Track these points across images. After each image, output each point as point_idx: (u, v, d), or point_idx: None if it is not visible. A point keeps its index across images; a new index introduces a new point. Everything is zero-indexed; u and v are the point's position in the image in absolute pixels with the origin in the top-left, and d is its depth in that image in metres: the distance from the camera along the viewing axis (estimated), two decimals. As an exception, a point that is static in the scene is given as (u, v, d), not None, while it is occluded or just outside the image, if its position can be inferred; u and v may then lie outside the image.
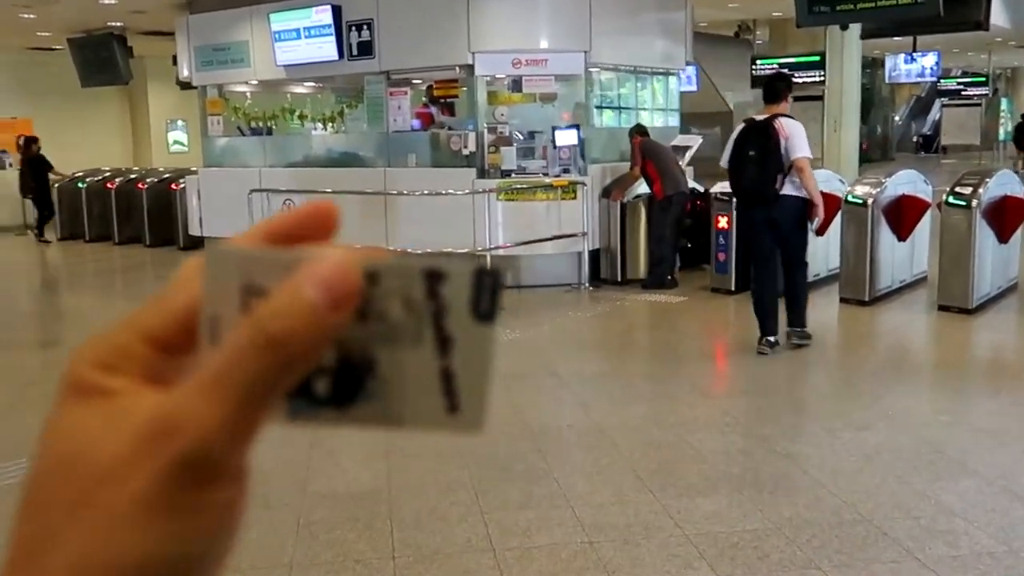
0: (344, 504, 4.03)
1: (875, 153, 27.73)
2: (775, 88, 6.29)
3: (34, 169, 14.21)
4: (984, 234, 7.33)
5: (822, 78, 16.89)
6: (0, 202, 15.97)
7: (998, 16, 18.07)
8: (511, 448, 4.69)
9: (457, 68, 9.20)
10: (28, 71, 16.49)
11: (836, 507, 3.87)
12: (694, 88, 17.47)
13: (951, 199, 7.26)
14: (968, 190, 7.28)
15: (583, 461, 4.51)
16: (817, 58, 17.20)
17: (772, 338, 6.32)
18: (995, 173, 7.63)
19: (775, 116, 6.15)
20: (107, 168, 14.65)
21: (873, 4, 7.57)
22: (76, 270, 12.44)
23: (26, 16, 12.24)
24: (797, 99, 10.04)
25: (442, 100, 10.32)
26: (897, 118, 34.05)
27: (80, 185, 14.19)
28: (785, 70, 17.74)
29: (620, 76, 10.45)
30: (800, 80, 16.76)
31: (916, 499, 3.96)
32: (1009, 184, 7.68)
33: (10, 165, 15.88)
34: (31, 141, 14.44)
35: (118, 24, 13.23)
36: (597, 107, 10.56)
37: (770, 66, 17.84)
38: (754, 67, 18.05)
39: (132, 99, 17.96)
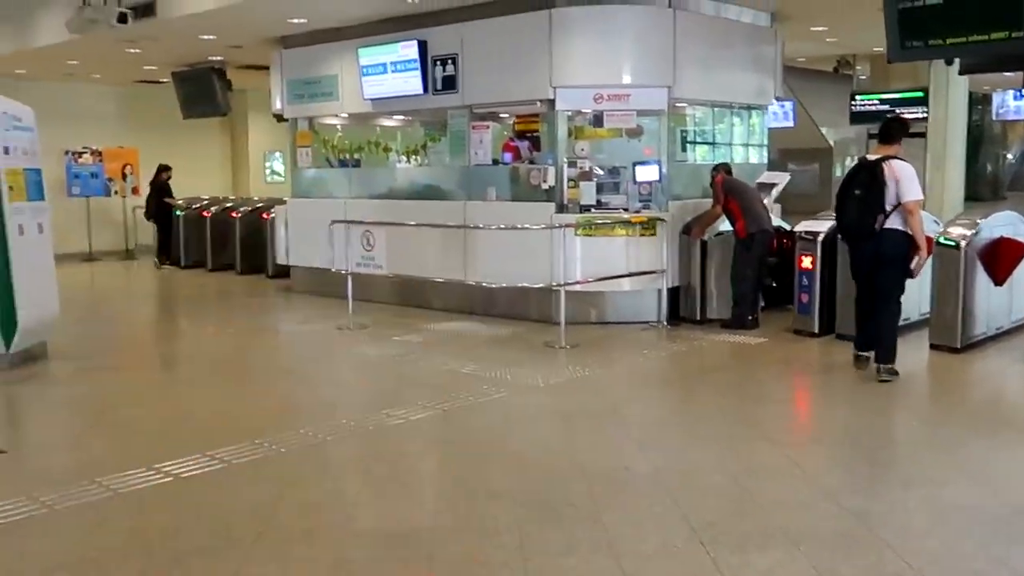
0: (386, 543, 3.96)
1: (985, 192, 26.64)
2: (890, 130, 6.59)
3: (159, 196, 14.89)
4: (1088, 280, 6.91)
5: (925, 114, 16.32)
6: (105, 228, 16.66)
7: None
8: (563, 490, 4.56)
9: (539, 102, 9.17)
10: (135, 103, 17.19)
11: (899, 571, 3.62)
12: (791, 124, 17.10)
13: (1050, 243, 6.86)
14: (1069, 233, 6.86)
15: (635, 507, 4.35)
16: (920, 94, 16.64)
17: (863, 353, 6.74)
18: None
19: (886, 157, 6.39)
20: (205, 197, 15.14)
21: (964, 39, 7.20)
22: (164, 296, 12.82)
23: (132, 51, 12.74)
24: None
25: (528, 135, 10.32)
26: (1010, 156, 32.68)
27: (178, 213, 14.69)
28: (887, 107, 17.25)
29: (706, 111, 10.28)
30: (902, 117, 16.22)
31: (987, 564, 3.68)
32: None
33: (115, 193, 16.54)
34: (162, 169, 15.09)
35: (218, 58, 13.66)
36: (691, 142, 10.41)
37: (870, 102, 17.35)
38: (853, 103, 17.57)
39: (233, 130, 18.55)
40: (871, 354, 6.78)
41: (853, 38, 13.80)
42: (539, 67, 8.91)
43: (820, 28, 12.44)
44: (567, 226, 8.37)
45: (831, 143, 20.92)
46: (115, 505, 4.40)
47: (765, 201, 9.00)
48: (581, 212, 8.78)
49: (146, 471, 4.81)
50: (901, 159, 6.42)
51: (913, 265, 6.47)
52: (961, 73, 10.63)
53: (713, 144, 10.47)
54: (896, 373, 6.53)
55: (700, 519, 4.17)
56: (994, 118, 18.31)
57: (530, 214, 8.82)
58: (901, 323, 7.45)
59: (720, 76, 9.55)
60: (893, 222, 6.36)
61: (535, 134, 10.03)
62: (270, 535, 4.05)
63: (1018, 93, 16.66)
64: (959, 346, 7.28)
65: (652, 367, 7.51)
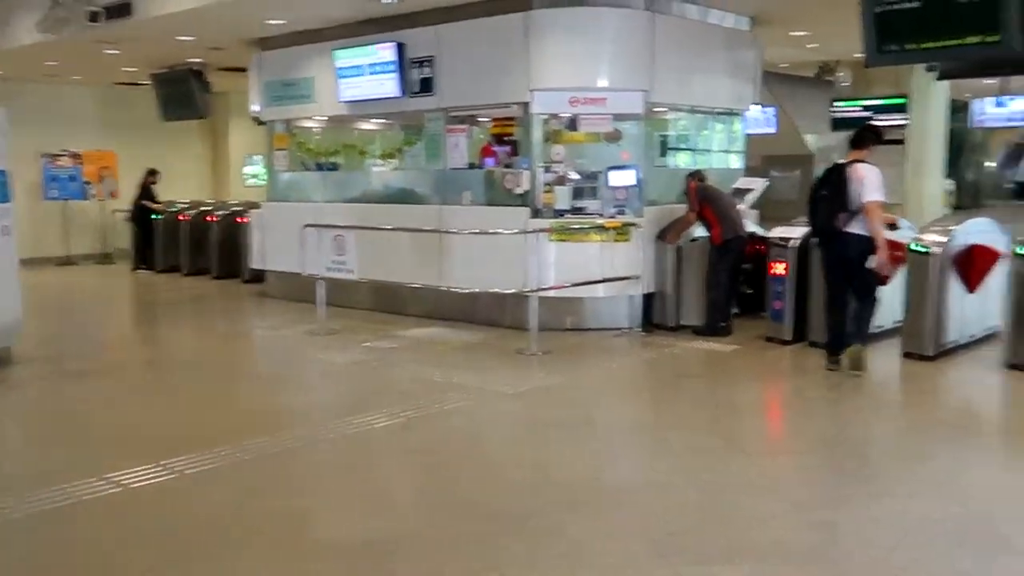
0: (341, 555, 3.87)
1: (966, 200, 26.70)
2: (861, 136, 6.95)
3: (139, 199, 14.75)
4: (1061, 289, 6.87)
5: (906, 121, 16.34)
6: (82, 231, 16.49)
7: (1095, 59, 17.24)
8: (528, 501, 4.47)
9: (515, 106, 9.09)
10: (114, 105, 17.00)
11: (862, 585, 3.56)
12: (773, 130, 17.09)
13: (1021, 250, 6.82)
14: (1043, 241, 6.83)
15: (602, 519, 4.26)
16: (902, 100, 16.65)
17: (835, 356, 7.00)
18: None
19: (854, 161, 6.74)
20: (183, 200, 14.99)
21: (940, 43, 7.19)
22: (136, 300, 12.69)
23: (111, 52, 12.61)
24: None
25: (504, 138, 10.23)
26: (991, 164, 32.81)
27: (154, 217, 14.55)
28: (868, 113, 17.27)
29: (685, 116, 10.22)
30: (882, 123, 16.25)
31: (952, 580, 3.62)
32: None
33: (93, 196, 16.37)
34: (148, 173, 14.95)
35: (197, 60, 13.54)
36: (670, 148, 10.34)
37: (850, 108, 17.36)
38: (834, 109, 17.57)
39: (214, 133, 18.41)
40: (842, 358, 6.96)
41: (834, 43, 13.79)
42: (516, 70, 8.84)
43: (800, 33, 12.41)
44: (541, 231, 8.29)
45: (813, 150, 20.90)
46: (57, 518, 4.28)
47: (740, 207, 8.96)
48: (556, 217, 8.70)
49: (96, 481, 4.69)
50: (867, 162, 6.74)
51: (871, 265, 6.70)
52: (940, 79, 10.63)
53: (691, 149, 10.42)
54: (861, 367, 6.85)
55: (667, 531, 4.10)
56: (970, 125, 18.32)
57: (505, 219, 8.74)
58: (876, 330, 7.43)
59: (698, 81, 9.50)
60: (859, 227, 6.66)
61: (511, 138, 9.94)
62: (222, 549, 3.95)
63: (998, 100, 16.71)
64: (932, 354, 7.23)
65: (624, 375, 7.43)
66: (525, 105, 8.88)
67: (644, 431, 5.93)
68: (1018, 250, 6.86)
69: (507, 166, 9.50)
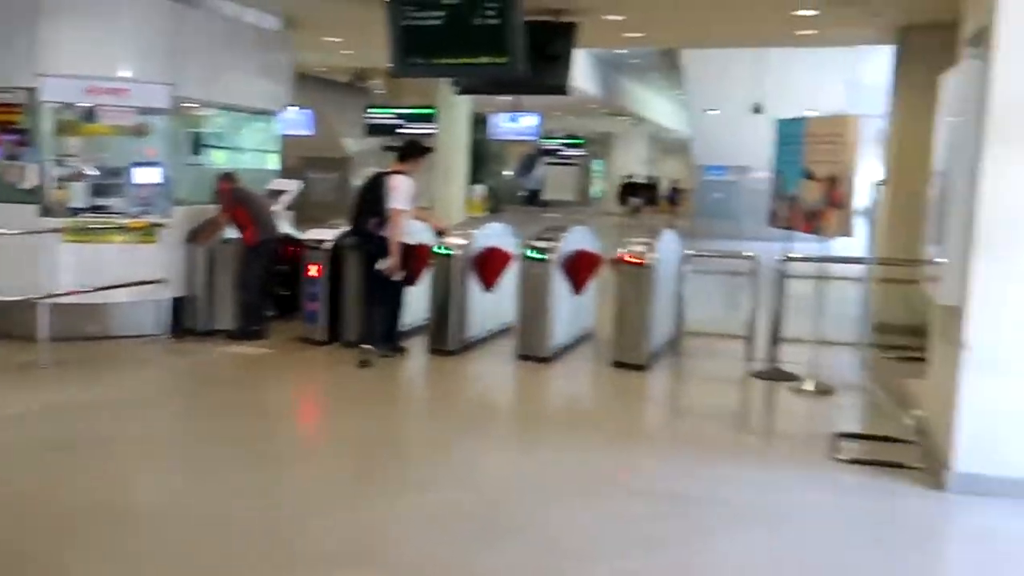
0: None
1: (489, 204, 29.27)
2: (404, 150, 7.60)
3: None
4: (560, 286, 7.68)
5: (435, 130, 17.41)
6: None
7: (588, 85, 19.80)
8: (27, 539, 3.96)
9: (19, 91, 8.11)
10: None
11: (385, 581, 3.64)
12: (310, 132, 17.23)
13: (530, 252, 7.54)
14: (546, 244, 7.61)
15: (112, 552, 3.90)
16: (431, 111, 17.70)
17: (368, 346, 7.39)
18: (571, 229, 8.05)
19: (395, 172, 7.31)
20: None
21: (456, 60, 7.77)
22: None
23: None
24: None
25: (9, 127, 9.07)
26: (509, 173, 36.31)
27: None
28: (400, 121, 18.13)
29: (219, 113, 9.86)
30: (412, 131, 17.19)
31: (460, 569, 3.84)
32: (584, 239, 8.15)
33: None
34: None
35: None
36: (207, 147, 9.87)
37: (383, 115, 18.09)
38: (368, 115, 18.18)
39: None
40: (373, 356, 7.31)
41: (367, 51, 14.23)
42: (20, 50, 7.90)
43: (334, 39, 12.63)
44: (53, 231, 7.50)
45: (351, 153, 21.49)
46: None
47: (275, 208, 8.88)
48: (72, 216, 7.92)
49: None
50: (404, 173, 7.28)
51: (380, 265, 7.17)
52: (459, 93, 11.42)
53: (226, 148, 10.09)
54: (370, 362, 7.26)
55: (196, 556, 3.88)
56: (487, 137, 20.07)
57: (8, 217, 7.76)
58: (405, 328, 7.77)
59: (228, 78, 9.23)
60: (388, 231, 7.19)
61: (19, 126, 8.86)
62: None
63: (512, 116, 18.47)
64: (453, 349, 7.71)
65: (149, 385, 6.96)
66: (31, 91, 7.96)
67: (169, 446, 5.57)
68: (527, 252, 7.57)
69: (12, 157, 8.45)
